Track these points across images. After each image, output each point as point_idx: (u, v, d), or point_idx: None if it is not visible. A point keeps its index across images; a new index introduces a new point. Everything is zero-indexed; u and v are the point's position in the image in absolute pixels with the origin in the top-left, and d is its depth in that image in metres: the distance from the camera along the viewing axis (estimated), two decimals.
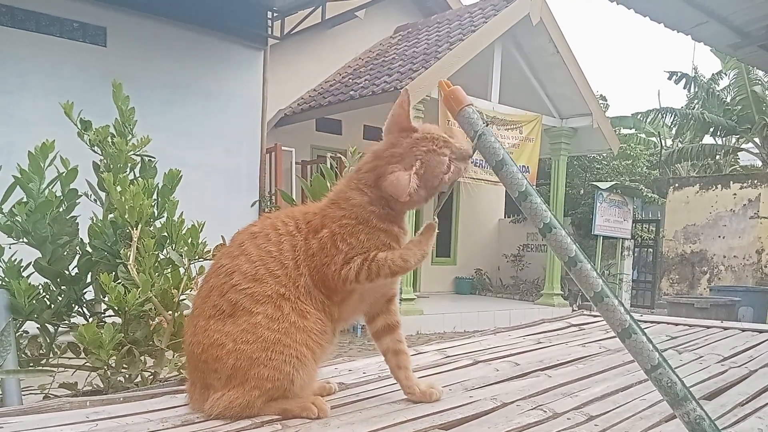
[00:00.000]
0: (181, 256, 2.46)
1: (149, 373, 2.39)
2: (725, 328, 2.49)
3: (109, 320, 2.28)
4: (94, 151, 2.43)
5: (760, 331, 2.44)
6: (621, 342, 1.05)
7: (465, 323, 8.64)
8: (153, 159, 2.62)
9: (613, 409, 1.35)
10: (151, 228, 2.45)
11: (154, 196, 2.46)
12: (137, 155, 2.56)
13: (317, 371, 1.32)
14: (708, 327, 2.48)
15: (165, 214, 2.48)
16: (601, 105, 12.26)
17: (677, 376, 1.02)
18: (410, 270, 1.32)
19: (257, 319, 1.23)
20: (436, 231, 1.34)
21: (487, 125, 1.17)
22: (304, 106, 9.24)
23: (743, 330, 2.48)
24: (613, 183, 11.02)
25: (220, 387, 1.23)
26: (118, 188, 2.32)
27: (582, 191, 12.26)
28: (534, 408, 1.35)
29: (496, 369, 1.75)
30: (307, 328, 1.25)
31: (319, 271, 1.29)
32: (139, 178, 2.49)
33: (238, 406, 1.21)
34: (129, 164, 2.48)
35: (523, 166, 9.27)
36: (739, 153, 16.40)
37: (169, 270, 2.46)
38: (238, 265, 1.29)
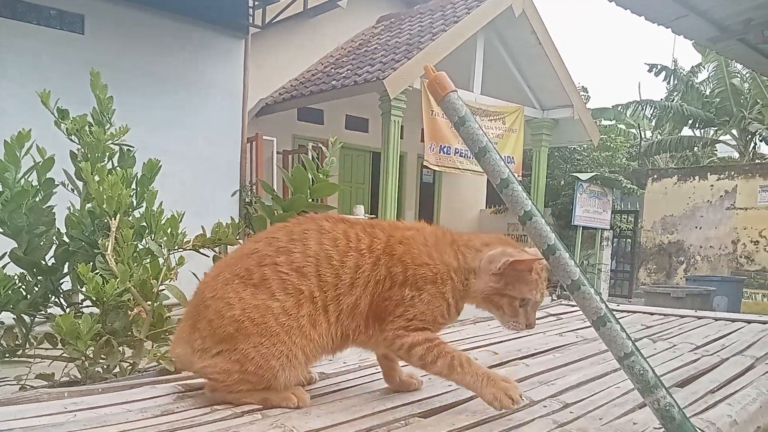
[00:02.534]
0: (161, 246, 2.45)
1: (128, 364, 2.38)
2: (699, 318, 2.54)
3: (86, 311, 2.26)
4: (71, 140, 2.40)
5: (733, 320, 2.49)
6: (595, 330, 1.07)
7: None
8: (132, 148, 2.59)
9: (588, 397, 1.38)
10: (130, 218, 2.43)
11: (133, 186, 2.44)
12: (115, 144, 2.54)
13: (304, 374, 1.32)
14: (682, 316, 2.53)
15: (144, 204, 2.46)
16: (582, 97, 12.36)
17: (648, 364, 1.04)
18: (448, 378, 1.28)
19: (273, 305, 1.23)
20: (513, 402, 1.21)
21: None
22: (285, 95, 9.17)
23: (716, 319, 2.53)
24: (593, 174, 11.12)
25: (209, 343, 1.24)
26: (96, 178, 2.30)
27: (562, 182, 12.36)
28: None
29: (475, 358, 1.76)
30: (311, 338, 1.24)
31: (378, 305, 1.28)
32: (118, 168, 2.47)
33: (218, 371, 1.22)
34: (107, 153, 2.46)
35: (508, 156, 9.32)
36: (716, 145, 16.64)
37: (148, 260, 2.44)
38: (290, 250, 1.27)
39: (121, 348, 2.40)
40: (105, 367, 2.33)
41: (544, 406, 1.30)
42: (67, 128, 2.37)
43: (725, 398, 1.34)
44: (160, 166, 2.46)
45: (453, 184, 12.02)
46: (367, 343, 1.34)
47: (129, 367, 2.36)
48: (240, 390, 1.24)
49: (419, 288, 1.27)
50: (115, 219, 2.29)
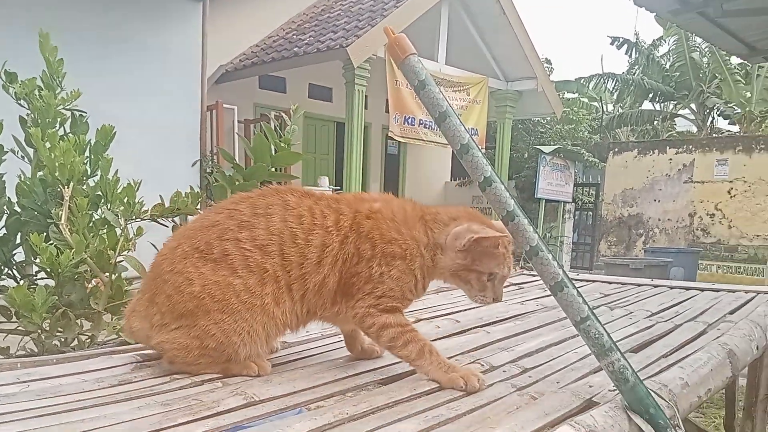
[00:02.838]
0: (117, 216, 2.39)
1: (86, 337, 2.34)
2: (655, 286, 2.61)
3: (41, 282, 2.20)
4: (20, 104, 2.30)
5: (687, 288, 2.57)
6: (553, 295, 1.08)
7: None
8: (84, 114, 2.51)
9: (546, 362, 1.40)
10: (84, 186, 2.36)
11: (86, 153, 2.37)
12: (67, 110, 2.45)
13: (265, 350, 1.30)
14: (639, 285, 2.60)
15: (99, 172, 2.39)
16: (546, 69, 12.41)
17: (603, 328, 1.06)
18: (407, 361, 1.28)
19: (235, 282, 1.19)
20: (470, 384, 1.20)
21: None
22: (246, 62, 8.95)
23: (671, 288, 2.60)
24: (556, 147, 11.24)
25: (168, 319, 1.21)
26: (47, 144, 2.22)
27: (526, 155, 12.48)
28: (472, 362, 1.39)
29: (437, 326, 1.78)
30: (275, 315, 1.22)
31: (346, 282, 1.26)
32: (70, 134, 2.38)
33: (177, 347, 1.20)
34: (58, 119, 2.37)
35: (472, 128, 9.34)
36: (676, 119, 16.99)
37: (104, 230, 2.38)
38: (254, 225, 1.23)
39: (79, 321, 2.35)
40: (62, 340, 2.28)
41: (504, 371, 1.32)
42: (15, 92, 2.27)
43: (678, 362, 1.38)
44: (115, 132, 2.39)
45: (418, 155, 12.03)
46: (334, 319, 1.33)
47: (87, 340, 2.31)
48: (199, 363, 1.22)
49: (388, 264, 1.25)
50: (68, 187, 2.22)
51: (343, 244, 1.25)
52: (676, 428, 1.07)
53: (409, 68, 1.10)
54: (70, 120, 2.46)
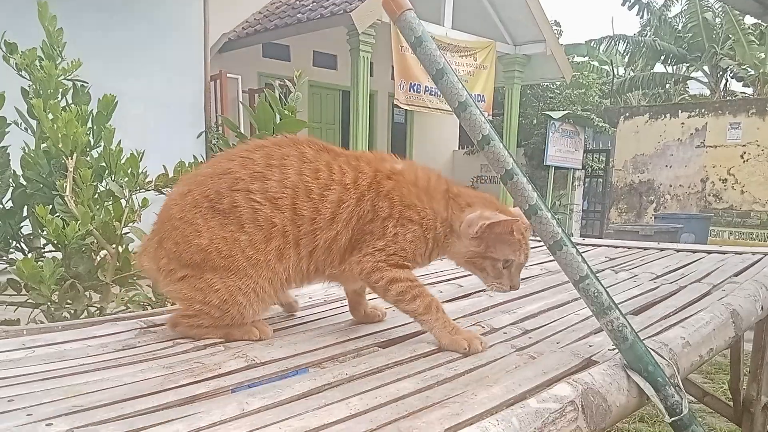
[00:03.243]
0: (122, 187, 2.39)
1: (95, 308, 2.37)
2: (661, 249, 2.60)
3: (49, 255, 2.23)
4: (21, 76, 2.30)
5: (694, 251, 2.55)
6: (552, 254, 1.08)
7: None
8: (86, 84, 2.50)
9: (547, 324, 1.41)
10: (88, 158, 2.37)
11: (89, 124, 2.36)
12: (68, 80, 2.44)
13: (270, 307, 1.31)
14: (645, 249, 2.58)
15: (102, 143, 2.39)
16: (555, 31, 12.19)
17: (603, 287, 1.06)
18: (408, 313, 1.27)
19: (241, 237, 1.19)
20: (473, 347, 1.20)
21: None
22: (249, 29, 8.80)
23: (678, 251, 2.59)
24: (565, 112, 11.11)
25: (175, 265, 1.22)
26: (50, 115, 2.22)
27: (535, 121, 12.33)
28: (473, 324, 1.39)
29: (440, 291, 1.79)
30: (277, 271, 1.22)
31: (357, 239, 1.25)
32: (72, 105, 2.38)
33: (182, 298, 1.23)
34: (60, 90, 2.37)
35: (479, 94, 9.23)
36: (688, 82, 16.70)
37: (109, 202, 2.39)
38: (266, 177, 1.21)
39: (87, 293, 2.38)
40: (72, 312, 2.31)
41: (504, 333, 1.33)
42: (16, 63, 2.27)
43: (680, 322, 1.38)
44: (117, 102, 2.38)
45: (425, 124, 11.92)
46: (340, 277, 1.32)
47: (96, 312, 2.34)
48: (201, 324, 1.23)
49: (404, 226, 1.24)
50: (71, 159, 2.22)
51: (360, 202, 1.24)
52: (675, 386, 1.07)
53: (405, 24, 1.07)
54: (71, 90, 2.45)
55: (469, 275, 2.02)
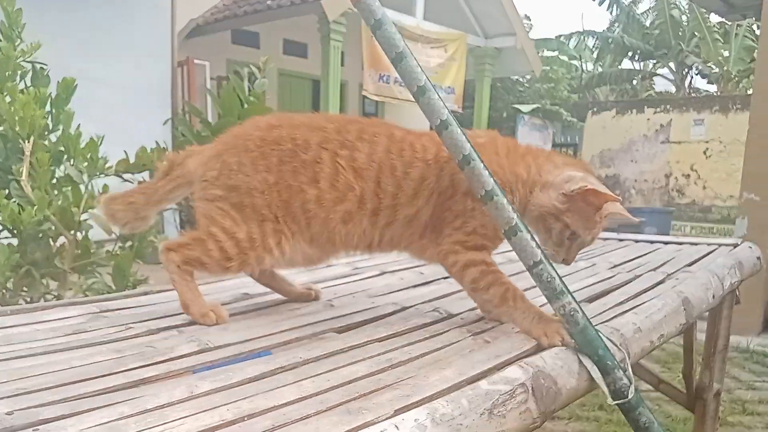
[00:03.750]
0: (81, 172, 2.35)
1: (53, 296, 2.32)
2: (621, 240, 2.65)
3: (5, 241, 2.18)
4: None
5: (652, 242, 2.61)
6: (507, 240, 1.09)
7: None
8: (45, 66, 2.44)
9: None
10: (46, 142, 2.32)
11: (48, 107, 2.32)
12: (27, 62, 2.39)
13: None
14: (605, 239, 2.63)
15: (60, 127, 2.34)
16: (525, 26, 12.29)
17: (556, 272, 1.08)
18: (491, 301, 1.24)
19: (309, 191, 1.20)
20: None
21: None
22: (218, 15, 8.68)
23: (637, 241, 2.64)
24: (534, 106, 11.25)
25: (220, 183, 1.22)
26: (7, 98, 2.17)
27: (505, 114, 12.45)
28: (431, 311, 1.40)
29: (401, 278, 1.80)
30: (337, 231, 1.23)
31: (438, 216, 1.24)
32: (31, 87, 2.33)
33: (206, 215, 1.23)
34: (18, 72, 2.32)
35: (449, 87, 9.26)
36: (654, 78, 17.01)
37: (68, 187, 2.35)
38: (356, 148, 1.22)
39: (44, 280, 2.33)
40: (28, 300, 2.26)
41: (462, 318, 1.34)
42: None
43: (632, 309, 1.41)
44: (76, 85, 2.33)
45: (396, 115, 11.89)
46: (418, 253, 1.33)
47: (54, 300, 2.30)
48: (198, 259, 1.23)
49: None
50: (28, 142, 2.18)
51: (440, 177, 1.23)
52: (624, 370, 1.10)
53: (364, 6, 1.07)
54: (30, 73, 2.40)
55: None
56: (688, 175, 13.02)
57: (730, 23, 13.04)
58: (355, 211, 1.23)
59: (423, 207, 1.24)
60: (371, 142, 1.24)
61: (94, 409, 0.77)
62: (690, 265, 2.03)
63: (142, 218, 1.38)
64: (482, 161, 1.08)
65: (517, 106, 11.43)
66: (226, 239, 1.21)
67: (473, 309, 1.41)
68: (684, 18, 14.75)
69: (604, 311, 1.41)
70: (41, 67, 2.42)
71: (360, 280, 1.78)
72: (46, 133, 2.31)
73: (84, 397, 0.81)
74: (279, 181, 1.21)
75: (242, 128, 1.32)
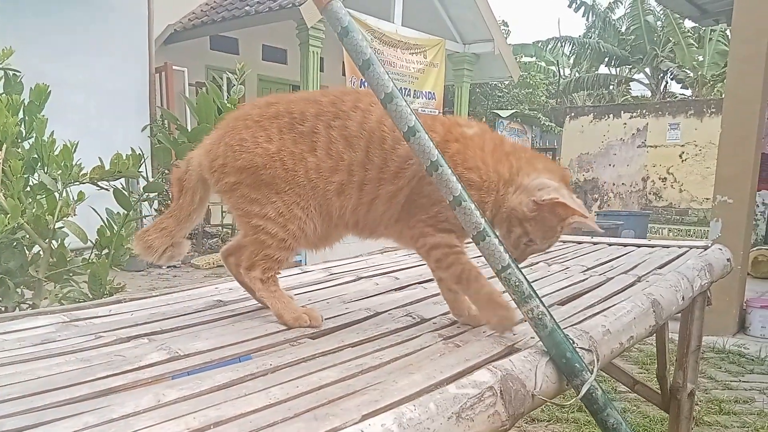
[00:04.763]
0: (55, 179, 2.33)
1: (28, 306, 2.29)
2: (594, 243, 2.68)
3: None
4: None
5: (625, 245, 2.65)
6: (476, 245, 1.10)
7: (369, 247, 8.80)
8: (18, 73, 2.42)
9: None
10: (19, 149, 2.29)
11: (20, 114, 2.29)
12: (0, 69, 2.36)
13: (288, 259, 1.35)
14: (579, 243, 2.66)
15: (34, 134, 2.32)
16: (503, 31, 12.40)
17: (524, 276, 1.09)
18: (461, 287, 1.27)
19: (309, 159, 1.23)
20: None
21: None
22: (196, 21, 8.65)
23: (610, 244, 2.68)
24: (513, 111, 11.35)
25: (229, 168, 1.24)
26: None
27: (483, 119, 12.52)
28: (405, 315, 1.41)
29: (376, 283, 1.80)
30: (334, 204, 1.25)
31: (414, 201, 1.25)
32: (3, 94, 2.30)
33: (238, 208, 1.27)
34: None
35: (429, 92, 9.30)
36: (630, 83, 17.26)
37: (42, 195, 2.32)
38: (350, 117, 1.24)
39: (19, 289, 2.30)
40: (2, 309, 2.23)
41: (434, 323, 1.35)
42: None
43: (603, 311, 1.43)
44: (50, 91, 2.32)
45: None
46: (396, 237, 1.35)
47: (29, 309, 2.27)
48: (264, 252, 1.26)
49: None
50: (1, 150, 2.15)
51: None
52: (592, 372, 1.11)
53: (331, 14, 1.08)
54: (3, 79, 2.38)
55: (407, 269, 2.05)
56: (665, 179, 13.21)
57: (703, 28, 13.29)
58: (346, 182, 1.25)
59: (403, 187, 1.25)
60: (365, 111, 1.26)
61: (58, 419, 0.77)
62: (661, 267, 2.06)
63: (178, 244, 1.39)
64: (449, 168, 1.09)
65: (496, 111, 11.51)
66: (265, 222, 1.24)
67: (446, 314, 1.43)
68: (659, 23, 14.99)
69: (575, 314, 1.43)
70: (14, 74, 2.40)
71: (335, 285, 1.78)
72: (19, 140, 2.28)
73: (48, 408, 0.81)
74: (281, 149, 1.23)
75: (240, 110, 1.35)
